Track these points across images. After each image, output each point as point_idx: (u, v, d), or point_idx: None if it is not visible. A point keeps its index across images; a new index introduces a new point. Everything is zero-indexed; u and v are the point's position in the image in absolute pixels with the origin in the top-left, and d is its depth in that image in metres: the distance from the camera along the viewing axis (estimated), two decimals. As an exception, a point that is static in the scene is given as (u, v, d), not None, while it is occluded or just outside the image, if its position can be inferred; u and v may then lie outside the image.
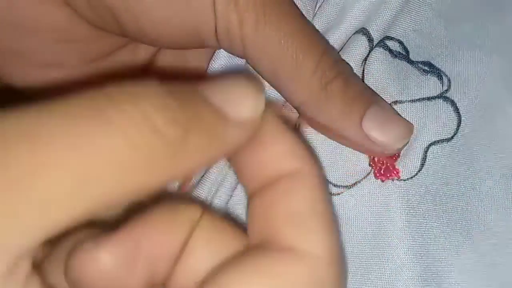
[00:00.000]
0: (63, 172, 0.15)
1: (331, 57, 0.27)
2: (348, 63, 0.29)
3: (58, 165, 0.15)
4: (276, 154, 0.20)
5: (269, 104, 0.20)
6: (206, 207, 0.18)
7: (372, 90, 0.29)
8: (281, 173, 0.20)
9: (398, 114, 0.29)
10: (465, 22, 0.30)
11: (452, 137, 0.29)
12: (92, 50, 0.29)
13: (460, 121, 0.29)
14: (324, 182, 0.20)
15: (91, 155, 0.15)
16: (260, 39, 0.26)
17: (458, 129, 0.29)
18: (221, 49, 0.29)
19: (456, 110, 0.29)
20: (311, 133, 0.29)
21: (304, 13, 0.29)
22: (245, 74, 0.25)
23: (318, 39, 0.28)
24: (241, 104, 0.19)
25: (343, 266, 0.19)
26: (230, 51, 0.27)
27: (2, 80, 0.29)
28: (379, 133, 0.27)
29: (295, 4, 0.28)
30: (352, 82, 0.28)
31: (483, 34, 0.30)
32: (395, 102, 0.29)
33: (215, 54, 0.30)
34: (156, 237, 0.19)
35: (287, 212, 0.19)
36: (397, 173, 0.28)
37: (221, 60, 0.30)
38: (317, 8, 0.30)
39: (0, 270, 0.15)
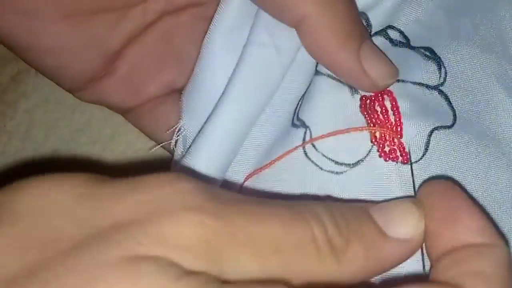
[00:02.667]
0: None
1: None
2: None
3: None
4: (470, 228, 0.22)
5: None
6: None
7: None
8: (473, 244, 0.22)
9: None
10: (464, 15, 0.30)
11: (452, 125, 0.28)
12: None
13: (455, 113, 0.28)
14: (509, 260, 0.22)
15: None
16: None
17: (455, 120, 0.28)
18: None
19: (450, 104, 0.28)
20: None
21: None
22: (409, 196, 0.26)
23: None
24: (402, 224, 0.22)
25: None
26: None
27: None
28: (372, 65, 0.27)
29: None
30: (354, 6, 0.27)
31: (480, 29, 0.29)
32: (398, 81, 0.28)
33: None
34: None
35: (475, 269, 0.21)
36: (406, 156, 0.27)
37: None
38: None
39: None
